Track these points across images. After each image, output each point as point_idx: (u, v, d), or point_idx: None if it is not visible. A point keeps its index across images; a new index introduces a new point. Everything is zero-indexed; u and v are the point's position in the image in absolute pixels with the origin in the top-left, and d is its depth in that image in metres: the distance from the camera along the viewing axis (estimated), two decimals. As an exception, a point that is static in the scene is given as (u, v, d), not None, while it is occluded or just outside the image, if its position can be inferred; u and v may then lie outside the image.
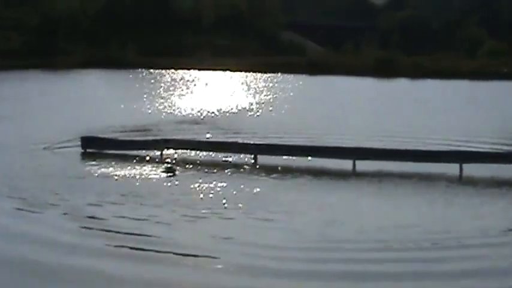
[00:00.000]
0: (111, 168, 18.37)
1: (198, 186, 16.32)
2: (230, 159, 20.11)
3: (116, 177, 17.25)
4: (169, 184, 16.62)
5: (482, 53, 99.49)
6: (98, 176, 17.42)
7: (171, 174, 17.68)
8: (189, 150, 20.84)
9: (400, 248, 11.87)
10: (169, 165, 18.55)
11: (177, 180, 16.98)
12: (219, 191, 15.86)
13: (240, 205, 14.43)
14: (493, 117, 35.01)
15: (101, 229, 12.65)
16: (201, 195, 15.37)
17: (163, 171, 17.86)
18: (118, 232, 12.46)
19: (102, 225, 12.87)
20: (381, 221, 13.61)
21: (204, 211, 13.93)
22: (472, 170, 18.58)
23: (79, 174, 17.71)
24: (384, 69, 77.35)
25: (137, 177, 17.39)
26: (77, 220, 13.26)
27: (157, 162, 19.41)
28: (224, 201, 14.75)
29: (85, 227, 12.84)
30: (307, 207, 14.53)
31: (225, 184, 16.48)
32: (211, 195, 15.38)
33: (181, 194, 15.49)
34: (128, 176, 17.51)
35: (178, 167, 18.34)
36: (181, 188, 16.20)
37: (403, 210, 14.70)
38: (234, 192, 15.65)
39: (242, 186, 16.30)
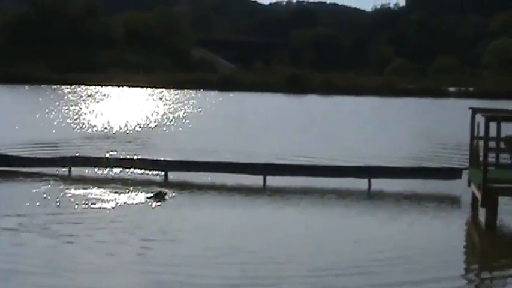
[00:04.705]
0: (11, 188, 17.82)
1: (94, 206, 15.72)
2: (140, 175, 19.86)
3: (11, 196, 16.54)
4: (68, 205, 16.16)
5: (390, 70, 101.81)
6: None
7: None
8: (98, 168, 20.45)
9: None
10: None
11: (77, 201, 16.51)
12: (115, 211, 15.41)
13: (132, 229, 13.59)
14: (400, 133, 35.76)
15: None
16: (88, 217, 14.55)
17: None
18: None
19: None
20: (291, 240, 13.47)
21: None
22: (380, 185, 18.91)
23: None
24: (295, 86, 78.19)
25: (31, 197, 16.54)
26: None
27: (62, 181, 18.94)
28: (117, 225, 13.91)
29: None
30: (216, 227, 14.21)
31: (126, 203, 16.10)
32: (102, 217, 14.66)
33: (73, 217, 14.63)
34: (19, 195, 16.78)
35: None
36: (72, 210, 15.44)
37: (314, 227, 14.68)
38: (132, 213, 15.12)
39: (145, 205, 15.92)
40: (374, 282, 10.88)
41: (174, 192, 17.44)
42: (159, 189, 17.37)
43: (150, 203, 16.22)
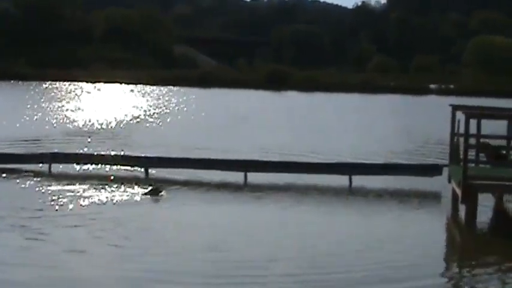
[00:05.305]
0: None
1: (74, 203, 15.51)
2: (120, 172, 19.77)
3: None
4: (47, 200, 16.04)
5: (371, 68, 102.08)
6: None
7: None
8: (78, 164, 20.34)
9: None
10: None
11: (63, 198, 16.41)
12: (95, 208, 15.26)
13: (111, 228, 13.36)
14: (381, 129, 35.87)
15: None
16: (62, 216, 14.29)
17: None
18: None
19: None
20: (272, 238, 13.38)
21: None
22: (361, 181, 18.95)
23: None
24: (276, 83, 78.28)
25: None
26: None
27: (42, 178, 18.78)
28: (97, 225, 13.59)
29: None
30: (196, 225, 14.10)
31: (104, 200, 16.01)
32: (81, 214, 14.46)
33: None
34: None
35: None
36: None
37: (296, 225, 14.60)
38: (111, 211, 14.97)
39: (125, 202, 15.79)
40: (355, 280, 10.87)
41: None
42: (153, 185, 17.26)
43: (139, 199, 16.14)
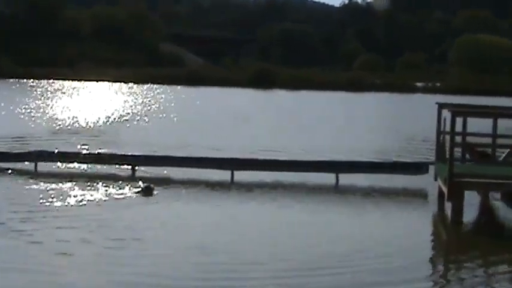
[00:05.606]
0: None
1: (60, 203, 15.39)
2: (105, 170, 19.71)
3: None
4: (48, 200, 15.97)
5: (358, 66, 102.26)
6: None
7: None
8: (65, 163, 20.26)
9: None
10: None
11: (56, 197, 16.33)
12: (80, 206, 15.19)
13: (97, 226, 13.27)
14: (368, 127, 35.93)
15: None
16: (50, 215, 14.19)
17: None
18: None
19: None
20: (259, 238, 13.34)
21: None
22: (347, 179, 18.96)
23: None
24: (264, 81, 78.30)
25: None
26: None
27: (27, 176, 18.67)
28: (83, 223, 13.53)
29: None
30: (183, 225, 14.03)
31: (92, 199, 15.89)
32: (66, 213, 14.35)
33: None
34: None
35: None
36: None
37: (284, 224, 14.52)
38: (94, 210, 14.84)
39: (112, 202, 15.67)
40: (341, 283, 10.79)
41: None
42: (143, 184, 17.19)
43: (127, 198, 16.05)
